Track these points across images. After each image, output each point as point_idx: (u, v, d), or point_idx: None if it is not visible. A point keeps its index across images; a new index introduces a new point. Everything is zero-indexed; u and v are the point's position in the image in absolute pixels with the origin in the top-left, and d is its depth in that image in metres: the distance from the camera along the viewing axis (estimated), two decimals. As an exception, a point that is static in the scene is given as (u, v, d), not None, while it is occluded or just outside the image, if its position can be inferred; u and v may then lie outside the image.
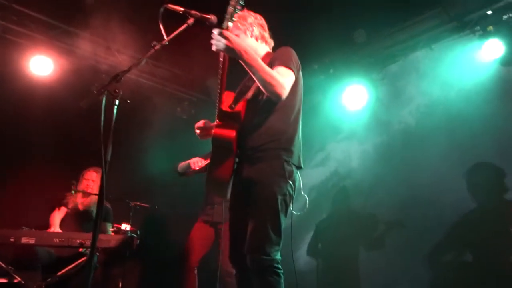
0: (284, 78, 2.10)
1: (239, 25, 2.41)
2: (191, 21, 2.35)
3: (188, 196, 4.94)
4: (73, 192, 4.05)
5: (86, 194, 4.22)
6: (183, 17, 2.30)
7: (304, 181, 2.39)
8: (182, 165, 3.55)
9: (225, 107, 2.28)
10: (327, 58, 5.26)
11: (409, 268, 4.20)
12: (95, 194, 4.16)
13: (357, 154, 5.15)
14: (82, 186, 4.26)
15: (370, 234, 4.74)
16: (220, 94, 2.26)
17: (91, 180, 4.28)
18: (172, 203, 5.30)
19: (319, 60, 5.27)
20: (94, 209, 4.21)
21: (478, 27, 4.18)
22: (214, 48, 2.08)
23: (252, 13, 2.52)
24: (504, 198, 3.80)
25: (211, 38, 2.09)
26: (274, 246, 2.08)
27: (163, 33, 2.26)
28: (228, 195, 2.34)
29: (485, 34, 4.12)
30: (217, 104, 2.28)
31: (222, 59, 2.20)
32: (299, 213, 2.31)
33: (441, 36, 4.46)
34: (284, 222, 2.17)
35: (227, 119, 2.26)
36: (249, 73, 2.13)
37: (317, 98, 5.40)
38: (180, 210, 5.20)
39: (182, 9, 2.34)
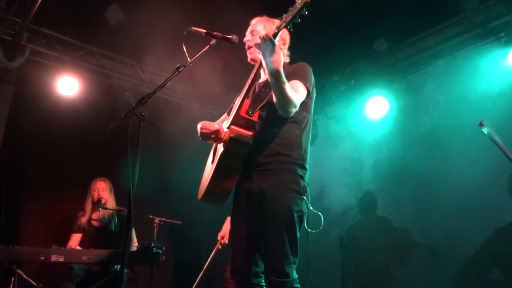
0: (297, 96, 2.05)
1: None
2: (213, 41, 2.42)
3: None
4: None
5: (95, 208, 4.25)
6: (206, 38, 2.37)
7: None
8: None
9: (242, 112, 2.13)
10: (348, 68, 5.24)
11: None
12: (112, 209, 4.23)
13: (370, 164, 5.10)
14: (91, 197, 4.27)
15: (395, 248, 4.65)
16: (244, 99, 2.14)
17: (100, 189, 4.27)
18: (198, 217, 5.32)
19: (340, 71, 5.26)
20: (109, 221, 4.27)
21: (503, 34, 4.09)
22: (257, 46, 2.02)
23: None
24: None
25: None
26: (292, 265, 2.05)
27: (187, 55, 2.32)
28: (223, 204, 2.24)
29: (511, 40, 4.03)
30: (236, 108, 2.14)
31: (259, 64, 2.12)
32: (315, 231, 2.25)
33: (464, 43, 4.37)
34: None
35: (243, 125, 2.12)
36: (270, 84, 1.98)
37: (340, 110, 5.37)
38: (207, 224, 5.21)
39: (204, 31, 2.40)
